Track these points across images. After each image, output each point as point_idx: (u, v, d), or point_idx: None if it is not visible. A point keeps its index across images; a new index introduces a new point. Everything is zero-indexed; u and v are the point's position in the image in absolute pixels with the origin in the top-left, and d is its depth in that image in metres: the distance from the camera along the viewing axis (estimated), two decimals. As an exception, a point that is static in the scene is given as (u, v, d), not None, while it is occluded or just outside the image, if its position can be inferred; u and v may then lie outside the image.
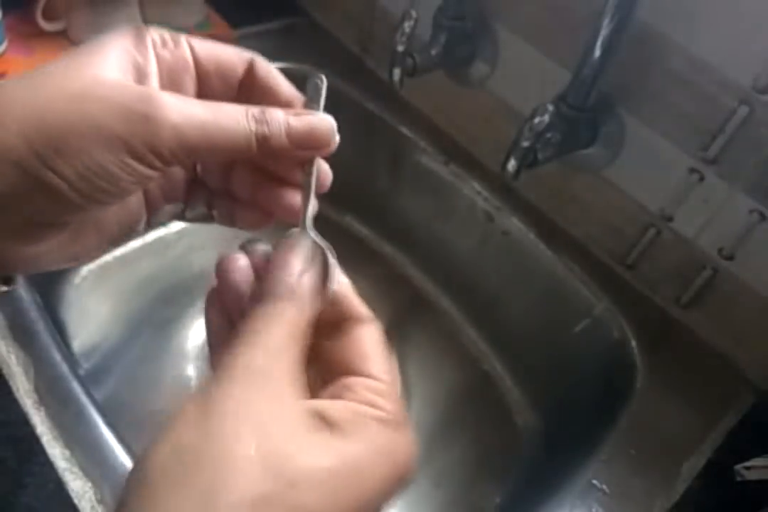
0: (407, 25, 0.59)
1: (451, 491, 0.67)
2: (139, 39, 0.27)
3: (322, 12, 0.85)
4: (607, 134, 0.59)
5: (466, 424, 0.71)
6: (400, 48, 0.60)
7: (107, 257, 0.75)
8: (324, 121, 0.28)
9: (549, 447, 0.67)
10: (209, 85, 0.29)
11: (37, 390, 0.46)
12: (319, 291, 0.27)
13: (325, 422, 0.23)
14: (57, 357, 0.48)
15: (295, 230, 0.29)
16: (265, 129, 0.26)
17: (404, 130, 0.75)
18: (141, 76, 0.27)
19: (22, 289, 0.52)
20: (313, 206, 0.29)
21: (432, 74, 0.66)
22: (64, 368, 0.47)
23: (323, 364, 0.27)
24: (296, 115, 0.27)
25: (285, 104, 0.29)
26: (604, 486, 0.50)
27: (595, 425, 0.56)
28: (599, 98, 0.57)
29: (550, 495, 0.50)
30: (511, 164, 0.55)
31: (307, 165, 0.29)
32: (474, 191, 0.71)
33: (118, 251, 0.75)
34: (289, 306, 0.25)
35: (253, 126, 0.26)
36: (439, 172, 0.74)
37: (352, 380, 0.25)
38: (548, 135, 0.55)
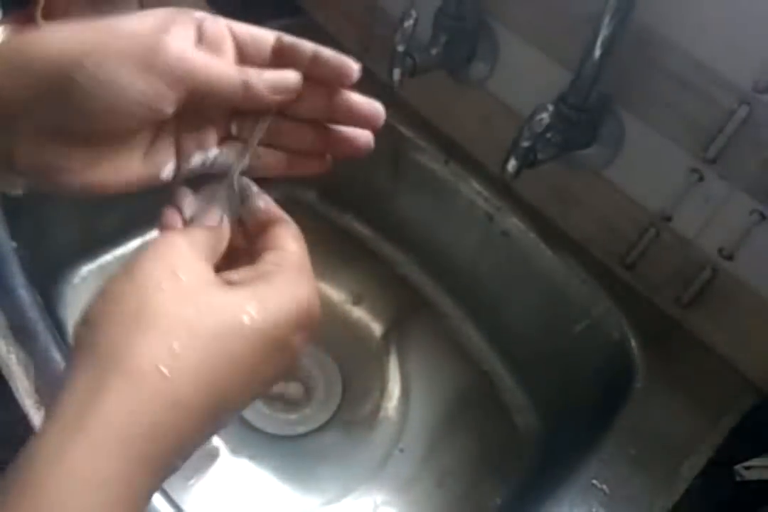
0: (407, 25, 0.59)
1: (451, 491, 0.67)
2: (185, 13, 0.34)
3: (322, 12, 0.85)
4: (607, 134, 0.59)
5: (467, 424, 0.71)
6: (400, 48, 0.60)
7: (107, 257, 0.75)
8: (291, 73, 0.33)
9: (549, 447, 0.67)
10: (246, 52, 0.34)
11: (37, 390, 0.46)
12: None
13: (229, 283, 0.29)
14: (57, 357, 0.48)
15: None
16: (246, 75, 0.32)
17: (404, 130, 0.75)
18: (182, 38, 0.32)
19: (22, 289, 0.52)
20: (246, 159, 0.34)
21: (432, 74, 0.66)
22: (64, 368, 0.47)
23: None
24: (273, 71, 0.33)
25: (309, 63, 0.34)
26: (604, 486, 0.50)
27: (595, 425, 0.56)
28: (599, 98, 0.57)
29: (550, 495, 0.50)
30: (511, 164, 0.55)
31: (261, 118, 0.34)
32: (474, 191, 0.71)
33: (118, 251, 0.75)
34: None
35: (239, 72, 0.32)
36: (439, 172, 0.74)
37: (262, 251, 0.31)
38: (548, 135, 0.55)
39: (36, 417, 0.44)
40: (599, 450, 0.52)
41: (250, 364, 0.27)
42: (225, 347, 0.26)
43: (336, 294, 0.79)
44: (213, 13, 0.37)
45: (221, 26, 0.35)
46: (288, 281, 0.29)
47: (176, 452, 0.26)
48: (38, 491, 0.23)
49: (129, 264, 0.28)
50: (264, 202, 0.34)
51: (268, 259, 0.31)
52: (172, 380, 0.25)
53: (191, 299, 0.27)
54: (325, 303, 0.78)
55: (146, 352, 0.25)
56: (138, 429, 0.24)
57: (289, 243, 0.32)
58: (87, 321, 0.27)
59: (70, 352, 0.28)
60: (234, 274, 0.30)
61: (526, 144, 0.53)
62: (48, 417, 0.25)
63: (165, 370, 0.25)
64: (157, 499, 0.43)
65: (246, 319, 0.27)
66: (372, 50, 0.80)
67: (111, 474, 0.24)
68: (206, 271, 0.29)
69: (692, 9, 0.51)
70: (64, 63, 0.29)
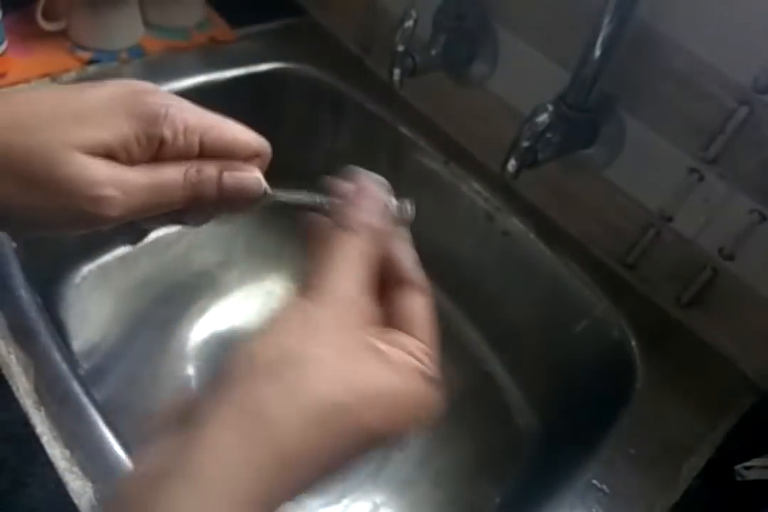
0: (407, 25, 0.59)
1: (451, 491, 0.67)
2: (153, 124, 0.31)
3: (322, 12, 0.85)
4: (607, 134, 0.59)
5: (466, 424, 0.71)
6: (400, 48, 0.60)
7: (107, 257, 0.75)
8: (252, 178, 0.32)
9: (549, 447, 0.67)
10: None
11: (37, 390, 0.46)
12: (383, 229, 0.31)
13: (385, 358, 0.28)
14: (57, 357, 0.48)
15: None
16: (199, 189, 0.31)
17: (404, 130, 0.75)
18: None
19: (22, 289, 0.52)
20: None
21: (432, 74, 0.66)
22: (64, 368, 0.47)
23: (383, 309, 0.31)
24: (230, 170, 0.32)
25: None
26: (604, 486, 0.50)
27: (595, 425, 0.56)
28: (599, 98, 0.57)
29: (550, 495, 0.50)
30: (511, 164, 0.55)
31: None
32: (474, 191, 0.71)
33: (118, 251, 0.75)
34: (359, 238, 0.30)
35: (189, 189, 0.31)
36: (439, 172, 0.74)
37: (406, 338, 0.29)
38: (548, 135, 0.55)
39: (36, 417, 0.44)
40: (599, 450, 0.52)
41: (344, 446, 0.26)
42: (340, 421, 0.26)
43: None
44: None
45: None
46: (428, 390, 0.29)
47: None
48: None
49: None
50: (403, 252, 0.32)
51: (414, 351, 0.29)
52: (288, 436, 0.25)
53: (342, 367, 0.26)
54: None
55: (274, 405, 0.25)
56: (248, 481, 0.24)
57: (430, 335, 0.31)
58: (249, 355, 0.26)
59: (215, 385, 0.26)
60: (391, 350, 0.28)
61: (526, 144, 0.53)
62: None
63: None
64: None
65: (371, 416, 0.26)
66: (372, 50, 0.80)
67: None
68: (361, 340, 0.28)
69: (692, 9, 0.51)
70: None
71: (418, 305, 0.31)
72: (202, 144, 0.32)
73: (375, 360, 0.27)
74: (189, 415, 0.25)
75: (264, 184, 0.33)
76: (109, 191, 0.29)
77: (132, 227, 0.34)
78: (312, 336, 0.27)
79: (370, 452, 0.28)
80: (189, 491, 0.23)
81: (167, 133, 0.31)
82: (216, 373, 0.26)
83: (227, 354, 0.27)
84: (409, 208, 0.33)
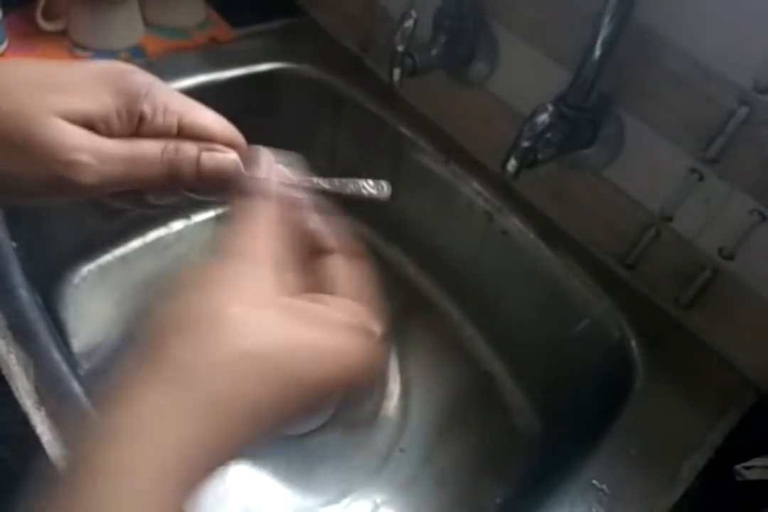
0: (407, 25, 0.59)
1: (451, 491, 0.67)
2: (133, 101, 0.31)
3: (322, 12, 0.85)
4: (607, 134, 0.59)
5: (467, 424, 0.71)
6: (400, 48, 0.60)
7: (107, 257, 0.75)
8: (230, 160, 0.33)
9: (549, 447, 0.67)
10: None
11: (37, 390, 0.46)
12: (290, 198, 0.32)
13: (308, 315, 0.28)
14: (57, 357, 0.48)
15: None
16: (177, 165, 0.32)
17: (404, 130, 0.75)
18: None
19: (22, 289, 0.52)
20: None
21: (432, 74, 0.66)
22: (64, 368, 0.47)
23: (306, 277, 0.31)
24: (209, 151, 0.32)
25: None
26: (604, 486, 0.50)
27: (595, 425, 0.56)
28: (599, 98, 0.57)
29: (550, 495, 0.50)
30: (511, 164, 0.55)
31: None
32: (474, 191, 0.71)
33: (118, 251, 0.75)
34: (265, 203, 0.31)
35: (166, 164, 0.31)
36: (439, 172, 0.74)
37: (330, 298, 0.30)
38: (548, 135, 0.55)
39: (36, 417, 0.44)
40: (599, 450, 0.52)
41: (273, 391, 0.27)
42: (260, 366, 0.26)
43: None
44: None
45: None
46: (352, 343, 0.29)
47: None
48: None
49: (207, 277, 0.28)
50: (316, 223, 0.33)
51: (334, 305, 0.29)
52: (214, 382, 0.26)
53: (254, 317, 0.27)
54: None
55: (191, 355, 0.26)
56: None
57: (351, 291, 0.31)
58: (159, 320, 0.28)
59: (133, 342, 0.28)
60: (303, 303, 0.29)
61: (526, 144, 0.53)
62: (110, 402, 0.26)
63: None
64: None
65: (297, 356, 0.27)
66: (372, 50, 0.80)
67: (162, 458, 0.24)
68: (274, 295, 0.29)
69: (692, 9, 0.51)
70: None
71: (344, 268, 0.32)
72: (180, 126, 0.32)
73: (298, 318, 0.28)
74: (119, 381, 0.26)
75: (242, 166, 0.33)
76: (85, 157, 0.30)
77: (100, 206, 0.35)
78: (231, 294, 0.27)
79: (322, 407, 0.29)
80: (124, 448, 0.24)
81: (147, 110, 0.31)
82: (141, 334, 0.27)
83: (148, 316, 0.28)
84: (384, 186, 0.34)
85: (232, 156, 0.33)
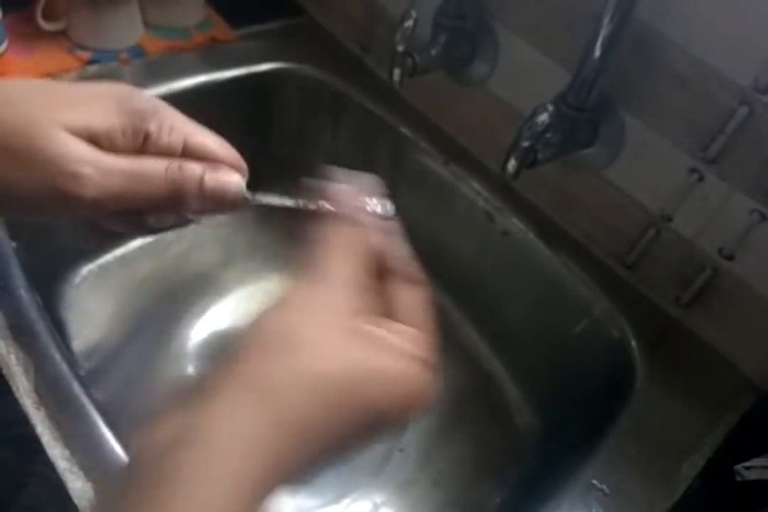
0: (407, 25, 0.59)
1: (451, 491, 0.67)
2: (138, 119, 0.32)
3: (322, 12, 0.85)
4: (607, 134, 0.59)
5: (466, 425, 0.71)
6: (400, 48, 0.60)
7: (107, 257, 0.75)
8: (234, 181, 0.33)
9: (549, 447, 0.67)
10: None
11: (37, 390, 0.46)
12: (372, 224, 0.32)
13: (378, 342, 0.29)
14: (57, 357, 0.48)
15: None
16: (180, 184, 0.31)
17: (404, 130, 0.75)
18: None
19: (22, 289, 0.52)
20: None
21: (432, 74, 0.66)
22: (64, 368, 0.47)
23: (374, 300, 0.32)
24: (212, 172, 0.32)
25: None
26: (604, 486, 0.50)
27: (595, 425, 0.56)
28: (599, 98, 0.57)
29: (550, 495, 0.50)
30: (511, 164, 0.55)
31: None
32: (474, 191, 0.71)
33: (118, 251, 0.75)
34: (352, 230, 0.32)
35: (169, 181, 0.31)
36: (439, 172, 0.74)
37: (398, 325, 0.30)
38: (548, 135, 0.55)
39: (36, 417, 0.44)
40: (599, 450, 0.52)
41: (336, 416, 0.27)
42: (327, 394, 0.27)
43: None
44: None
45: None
46: (415, 374, 0.29)
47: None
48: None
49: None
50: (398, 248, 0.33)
51: (401, 335, 0.30)
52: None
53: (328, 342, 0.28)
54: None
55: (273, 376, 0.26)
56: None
57: (422, 323, 0.31)
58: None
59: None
60: (374, 329, 0.29)
61: (526, 144, 0.53)
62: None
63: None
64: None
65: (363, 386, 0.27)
66: (372, 50, 0.80)
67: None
68: (351, 321, 0.29)
69: (692, 9, 0.51)
70: None
71: (409, 295, 0.32)
72: (185, 146, 0.32)
73: (368, 344, 0.28)
74: (199, 390, 0.26)
75: (244, 188, 0.33)
76: (87, 169, 0.30)
77: (97, 229, 0.34)
78: (310, 317, 0.28)
79: (380, 434, 0.29)
80: (202, 459, 0.24)
81: (153, 129, 0.31)
82: (226, 351, 0.28)
83: (236, 334, 0.28)
84: (388, 207, 0.34)
85: (235, 177, 0.33)
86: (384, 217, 0.33)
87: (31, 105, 0.30)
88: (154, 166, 0.31)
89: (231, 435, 0.25)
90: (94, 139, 0.30)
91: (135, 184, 0.31)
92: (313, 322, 0.28)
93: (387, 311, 0.31)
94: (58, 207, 0.31)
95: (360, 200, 0.33)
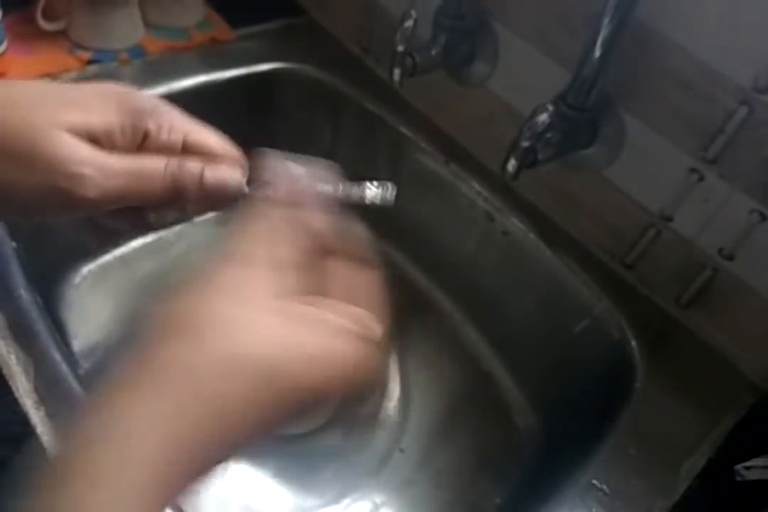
0: (407, 25, 0.59)
1: (451, 491, 0.67)
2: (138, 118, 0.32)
3: (322, 12, 0.85)
4: (607, 134, 0.59)
5: (466, 424, 0.71)
6: (400, 48, 0.60)
7: (107, 257, 0.75)
8: (234, 177, 0.33)
9: (549, 447, 0.67)
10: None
11: (37, 390, 0.46)
12: (303, 204, 0.32)
13: (310, 319, 0.28)
14: (57, 357, 0.48)
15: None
16: (180, 181, 0.32)
17: (404, 130, 0.75)
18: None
19: (22, 289, 0.52)
20: None
21: (432, 74, 0.66)
22: (64, 368, 0.47)
23: (311, 279, 0.31)
24: (212, 168, 0.32)
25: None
26: (604, 486, 0.50)
27: (595, 425, 0.56)
28: (599, 98, 0.57)
29: (550, 495, 0.50)
30: (511, 164, 0.55)
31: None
32: (474, 191, 0.71)
33: (118, 251, 0.75)
34: (282, 209, 0.31)
35: (169, 179, 0.31)
36: (439, 172, 0.74)
37: (334, 302, 0.30)
38: (548, 135, 0.55)
39: (36, 417, 0.44)
40: (599, 450, 0.52)
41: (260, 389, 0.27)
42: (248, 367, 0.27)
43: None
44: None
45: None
46: (346, 348, 0.28)
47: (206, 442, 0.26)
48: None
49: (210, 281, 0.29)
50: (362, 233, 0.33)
51: (344, 315, 0.29)
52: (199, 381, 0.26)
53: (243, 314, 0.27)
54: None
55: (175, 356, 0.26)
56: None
57: (365, 302, 0.31)
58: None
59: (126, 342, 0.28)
60: (301, 306, 0.29)
61: (526, 144, 0.53)
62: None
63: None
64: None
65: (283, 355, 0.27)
66: (372, 50, 0.80)
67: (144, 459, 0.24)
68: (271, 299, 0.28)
69: (692, 9, 0.51)
70: None
71: (351, 273, 0.32)
72: (184, 144, 0.33)
73: (293, 322, 0.28)
74: (110, 383, 0.26)
75: (244, 184, 0.33)
76: (87, 170, 0.30)
77: (99, 227, 0.35)
78: (226, 296, 0.28)
79: (313, 408, 0.29)
80: (111, 448, 0.24)
81: (152, 127, 0.32)
82: (134, 334, 0.28)
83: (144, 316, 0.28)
84: (390, 190, 0.34)
85: (235, 173, 0.33)
86: (331, 199, 0.33)
87: (31, 107, 0.30)
88: (153, 164, 0.31)
89: (134, 421, 0.25)
90: (94, 139, 0.31)
91: (136, 182, 0.31)
92: (232, 302, 0.27)
93: (324, 290, 0.31)
94: (60, 208, 0.31)
95: (301, 182, 0.32)
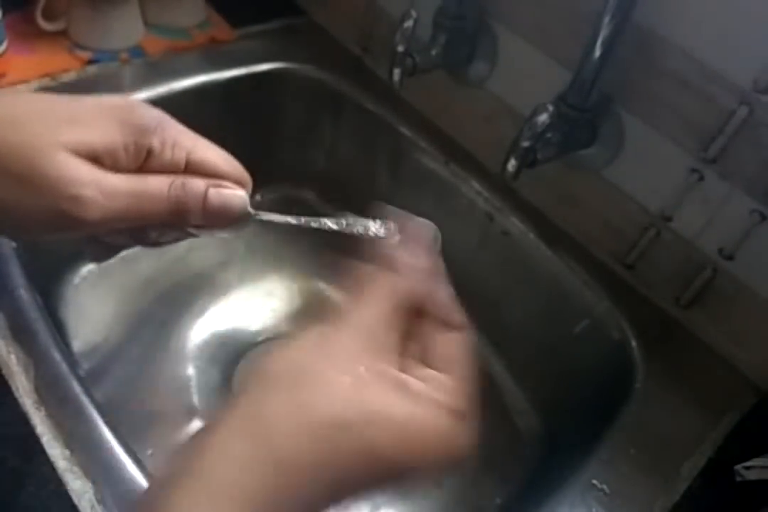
0: (407, 25, 0.59)
1: (451, 491, 0.66)
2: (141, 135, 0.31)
3: (322, 12, 0.85)
4: (607, 134, 0.59)
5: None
6: (400, 48, 0.60)
7: (107, 257, 0.75)
8: (238, 197, 0.32)
9: (549, 447, 0.67)
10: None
11: (37, 390, 0.46)
12: (423, 270, 0.33)
13: (404, 389, 0.28)
14: (57, 357, 0.48)
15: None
16: (184, 202, 0.31)
17: (404, 130, 0.75)
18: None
19: (22, 289, 0.52)
20: None
21: (432, 74, 0.66)
22: (64, 368, 0.47)
23: (419, 344, 0.31)
24: (216, 187, 0.32)
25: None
26: (604, 486, 0.50)
27: (595, 425, 0.56)
28: (599, 98, 0.57)
29: (550, 495, 0.50)
30: (511, 164, 0.55)
31: None
32: (474, 191, 0.71)
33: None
34: (397, 280, 0.31)
35: (173, 200, 0.31)
36: (439, 172, 0.74)
37: (434, 373, 0.29)
38: (548, 135, 0.55)
39: (36, 417, 0.44)
40: (599, 450, 0.52)
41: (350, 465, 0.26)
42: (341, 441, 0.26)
43: (336, 294, 0.79)
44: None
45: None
46: (452, 427, 0.28)
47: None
48: None
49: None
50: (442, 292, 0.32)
51: (438, 385, 0.29)
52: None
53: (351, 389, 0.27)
54: (325, 303, 0.78)
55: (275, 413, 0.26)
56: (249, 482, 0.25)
57: (460, 371, 0.30)
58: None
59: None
60: (414, 383, 0.28)
61: (526, 144, 0.53)
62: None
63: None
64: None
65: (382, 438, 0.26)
66: (372, 50, 0.80)
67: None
68: (384, 366, 0.28)
69: (692, 9, 0.51)
70: None
71: (447, 340, 0.31)
72: (188, 162, 0.32)
73: (391, 390, 0.27)
74: (206, 426, 0.27)
75: (248, 204, 0.33)
76: (89, 191, 0.29)
77: (100, 242, 0.34)
78: (326, 358, 0.28)
79: (393, 482, 0.28)
80: (197, 488, 0.24)
81: (156, 144, 0.31)
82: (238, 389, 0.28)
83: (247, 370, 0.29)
84: (392, 228, 0.35)
85: (239, 193, 0.32)
86: (426, 262, 0.34)
87: (31, 125, 0.29)
88: (157, 185, 0.31)
89: (225, 466, 0.25)
90: (96, 158, 0.30)
91: (138, 203, 0.30)
92: (328, 362, 0.27)
93: (423, 358, 0.30)
94: (61, 229, 0.30)
95: (423, 243, 0.33)
